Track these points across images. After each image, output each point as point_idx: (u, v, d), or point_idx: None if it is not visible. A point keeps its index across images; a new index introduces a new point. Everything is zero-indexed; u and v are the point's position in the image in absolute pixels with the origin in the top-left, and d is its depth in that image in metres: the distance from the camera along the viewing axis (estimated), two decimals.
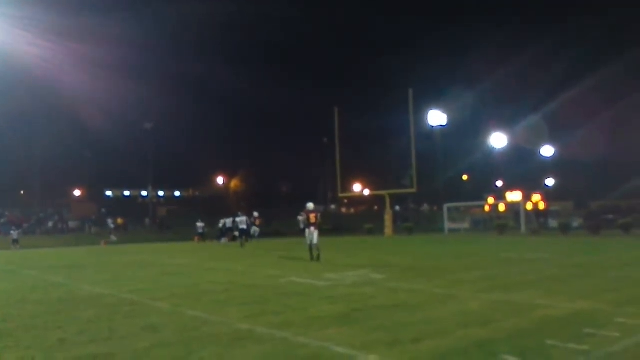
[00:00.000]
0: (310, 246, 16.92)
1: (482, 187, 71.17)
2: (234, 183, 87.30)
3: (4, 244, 31.78)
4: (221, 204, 70.56)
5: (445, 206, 44.10)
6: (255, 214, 33.61)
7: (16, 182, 70.24)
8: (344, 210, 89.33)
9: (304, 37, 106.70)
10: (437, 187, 56.07)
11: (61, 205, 66.52)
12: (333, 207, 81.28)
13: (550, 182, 70.90)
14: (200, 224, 36.88)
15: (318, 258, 16.47)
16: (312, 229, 17.03)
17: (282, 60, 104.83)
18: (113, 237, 29.84)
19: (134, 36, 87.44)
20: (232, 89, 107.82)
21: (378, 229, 39.84)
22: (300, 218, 21.53)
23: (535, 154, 65.97)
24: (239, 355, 5.42)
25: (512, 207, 45.05)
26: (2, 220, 36.12)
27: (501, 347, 5.54)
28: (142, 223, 60.64)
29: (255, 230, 32.15)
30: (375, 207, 65.90)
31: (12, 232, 32.79)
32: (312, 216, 17.36)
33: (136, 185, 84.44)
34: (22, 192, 73.75)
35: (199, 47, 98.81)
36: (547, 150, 64.93)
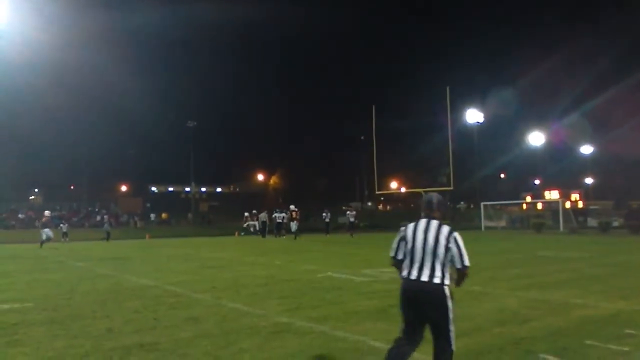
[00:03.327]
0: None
1: (519, 186, 69.96)
2: (273, 180, 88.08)
3: (55, 237, 32.80)
4: (261, 200, 71.26)
5: (482, 204, 43.55)
6: (292, 207, 34.19)
7: (66, 177, 72.66)
8: (380, 207, 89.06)
9: (342, 35, 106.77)
10: (474, 185, 55.31)
11: (108, 200, 68.32)
12: (369, 204, 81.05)
13: (589, 180, 69.20)
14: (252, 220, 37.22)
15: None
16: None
17: (320, 59, 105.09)
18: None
19: (178, 35, 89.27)
20: (272, 88, 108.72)
21: None
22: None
23: (573, 152, 64.49)
24: (278, 347, 5.57)
25: (550, 205, 44.21)
26: (53, 214, 37.34)
27: (539, 346, 5.55)
28: (185, 218, 61.76)
29: (293, 224, 32.52)
30: (412, 205, 65.43)
31: (61, 225, 33.84)
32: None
33: (179, 181, 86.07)
34: (71, 187, 76.11)
35: (241, 46, 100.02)
36: (586, 149, 63.36)
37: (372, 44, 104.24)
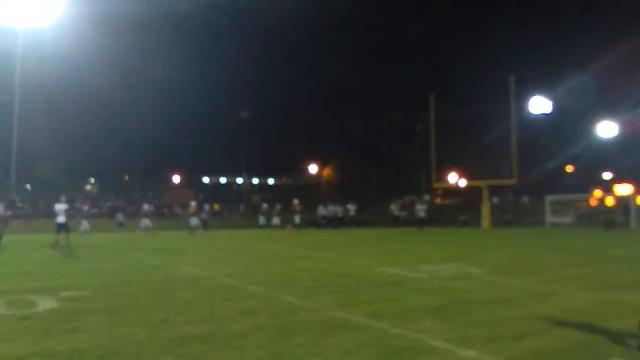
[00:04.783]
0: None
1: (587, 179, 67.22)
2: (326, 172, 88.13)
3: (111, 227, 33.93)
4: (314, 192, 71.54)
5: (547, 198, 42.07)
6: (295, 201, 35.87)
7: (120, 167, 75.05)
8: (437, 200, 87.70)
9: (398, 23, 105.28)
10: (538, 179, 53.56)
11: (161, 191, 70.10)
12: (427, 197, 79.94)
13: None
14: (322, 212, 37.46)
15: None
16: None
17: (377, 48, 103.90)
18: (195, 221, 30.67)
19: (232, 25, 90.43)
20: (326, 78, 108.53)
21: (473, 221, 38.80)
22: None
23: None
24: (335, 343, 5.43)
25: (621, 201, 42.25)
26: (109, 204, 38.67)
27: (609, 350, 5.22)
28: (237, 209, 62.65)
29: (349, 217, 32.92)
30: (471, 199, 64.12)
31: (118, 215, 34.97)
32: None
33: (231, 173, 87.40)
34: (125, 177, 78.56)
35: (293, 35, 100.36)
36: None
37: (429, 28, 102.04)
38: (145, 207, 31.79)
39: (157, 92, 70.08)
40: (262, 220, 36.19)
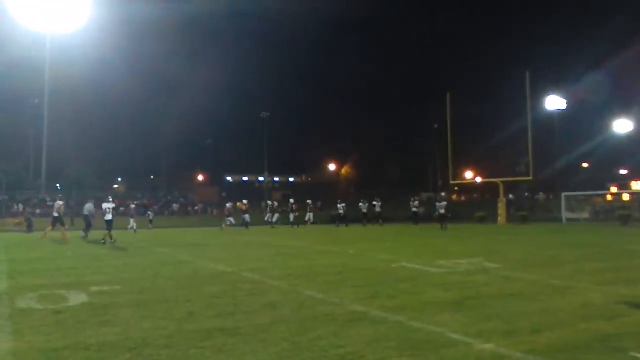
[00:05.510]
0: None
1: (603, 176, 66.41)
2: (345, 169, 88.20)
3: (143, 224, 34.37)
4: (332, 189, 71.65)
5: (564, 195, 41.72)
6: (291, 200, 37.11)
7: (147, 167, 76.07)
8: (454, 197, 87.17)
9: (414, 21, 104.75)
10: (554, 175, 53.06)
11: (186, 189, 70.81)
12: (443, 194, 79.58)
13: None
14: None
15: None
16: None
17: (394, 47, 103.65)
18: (232, 220, 31.78)
19: (251, 29, 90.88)
20: (344, 78, 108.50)
21: (490, 217, 38.61)
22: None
23: None
24: (355, 336, 5.59)
25: (637, 196, 41.73)
26: (136, 203, 39.29)
27: (628, 344, 5.29)
28: (259, 207, 63.01)
29: (291, 215, 33.93)
30: (487, 196, 63.67)
31: (149, 212, 35.56)
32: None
33: (253, 171, 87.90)
34: (151, 176, 79.46)
35: (313, 36, 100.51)
36: None
37: (446, 26, 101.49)
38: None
39: (181, 94, 71.02)
40: (268, 217, 36.53)
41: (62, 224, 20.83)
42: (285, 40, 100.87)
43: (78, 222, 25.16)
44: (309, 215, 35.73)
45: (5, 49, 48.22)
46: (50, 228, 21.00)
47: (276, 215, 36.20)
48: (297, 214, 35.54)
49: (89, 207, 21.79)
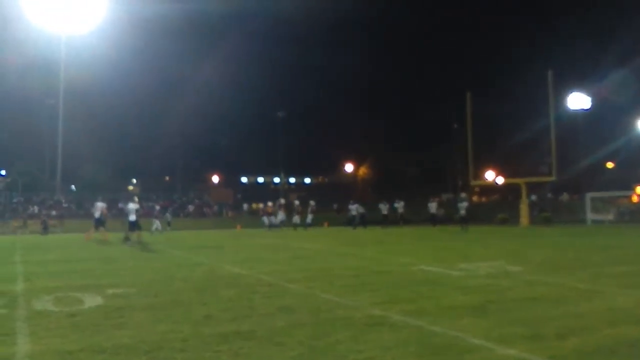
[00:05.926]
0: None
1: (629, 176, 65.23)
2: (362, 170, 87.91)
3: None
4: (349, 190, 71.43)
5: (588, 196, 41.05)
6: (296, 201, 37.99)
7: (161, 168, 76.53)
8: (475, 198, 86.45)
9: (435, 19, 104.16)
10: (578, 176, 52.28)
11: (201, 190, 71.15)
12: (464, 194, 78.87)
13: None
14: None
15: None
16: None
17: (412, 45, 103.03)
18: (273, 219, 32.16)
19: (266, 28, 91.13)
20: (361, 77, 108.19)
21: (512, 219, 38.19)
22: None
23: None
24: (374, 340, 5.45)
25: None
26: (150, 204, 39.53)
27: None
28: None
29: (296, 217, 34.00)
30: (509, 197, 62.98)
31: (167, 214, 35.74)
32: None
33: (269, 172, 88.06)
34: (166, 178, 79.96)
35: (329, 35, 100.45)
36: None
37: (466, 25, 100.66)
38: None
39: (195, 95, 71.38)
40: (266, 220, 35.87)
41: (103, 225, 20.92)
42: (303, 40, 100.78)
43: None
44: (309, 217, 35.65)
45: (20, 50, 49.01)
46: (92, 230, 21.01)
47: (309, 216, 35.86)
48: (301, 215, 35.30)
49: (100, 205, 21.65)
